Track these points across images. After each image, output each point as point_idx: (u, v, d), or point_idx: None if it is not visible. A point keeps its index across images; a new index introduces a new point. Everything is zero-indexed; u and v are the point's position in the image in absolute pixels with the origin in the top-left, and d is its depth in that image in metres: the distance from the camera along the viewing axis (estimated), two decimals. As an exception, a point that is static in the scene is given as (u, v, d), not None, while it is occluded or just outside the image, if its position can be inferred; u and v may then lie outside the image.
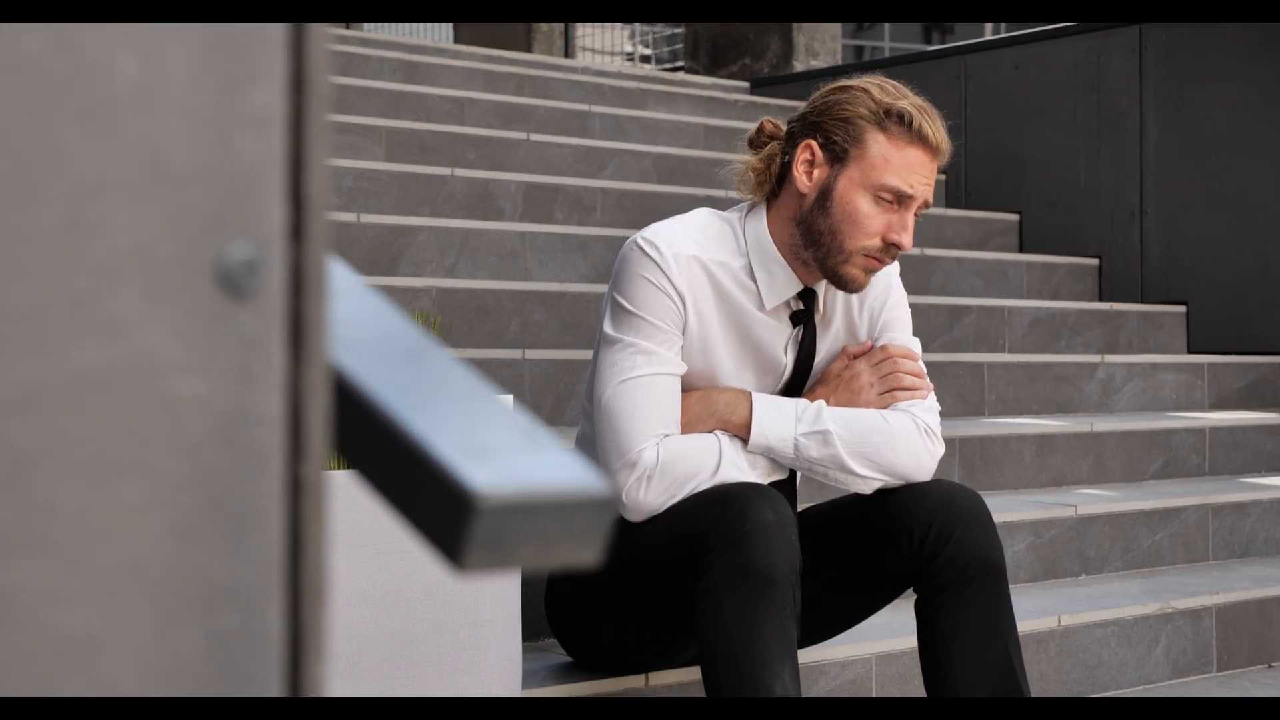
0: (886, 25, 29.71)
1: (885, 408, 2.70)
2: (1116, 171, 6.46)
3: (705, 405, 2.65)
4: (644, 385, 2.61)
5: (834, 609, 2.83)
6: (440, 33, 14.79)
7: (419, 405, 0.60)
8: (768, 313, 2.70)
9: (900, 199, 2.61)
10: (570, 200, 5.49)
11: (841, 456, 2.63)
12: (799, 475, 2.84)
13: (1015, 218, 6.78)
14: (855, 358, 2.76)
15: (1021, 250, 6.72)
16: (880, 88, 2.64)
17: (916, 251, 6.01)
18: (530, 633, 3.07)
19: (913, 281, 5.89)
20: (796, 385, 2.77)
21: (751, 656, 2.43)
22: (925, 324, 5.37)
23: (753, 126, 2.82)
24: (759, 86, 8.06)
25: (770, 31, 8.11)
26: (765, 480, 2.67)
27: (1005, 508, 4.05)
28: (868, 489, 2.67)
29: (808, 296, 2.73)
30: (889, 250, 2.63)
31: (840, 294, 2.78)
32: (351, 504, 2.40)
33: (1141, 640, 3.71)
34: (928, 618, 2.65)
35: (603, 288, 4.50)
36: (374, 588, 2.44)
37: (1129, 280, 6.41)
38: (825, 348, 2.78)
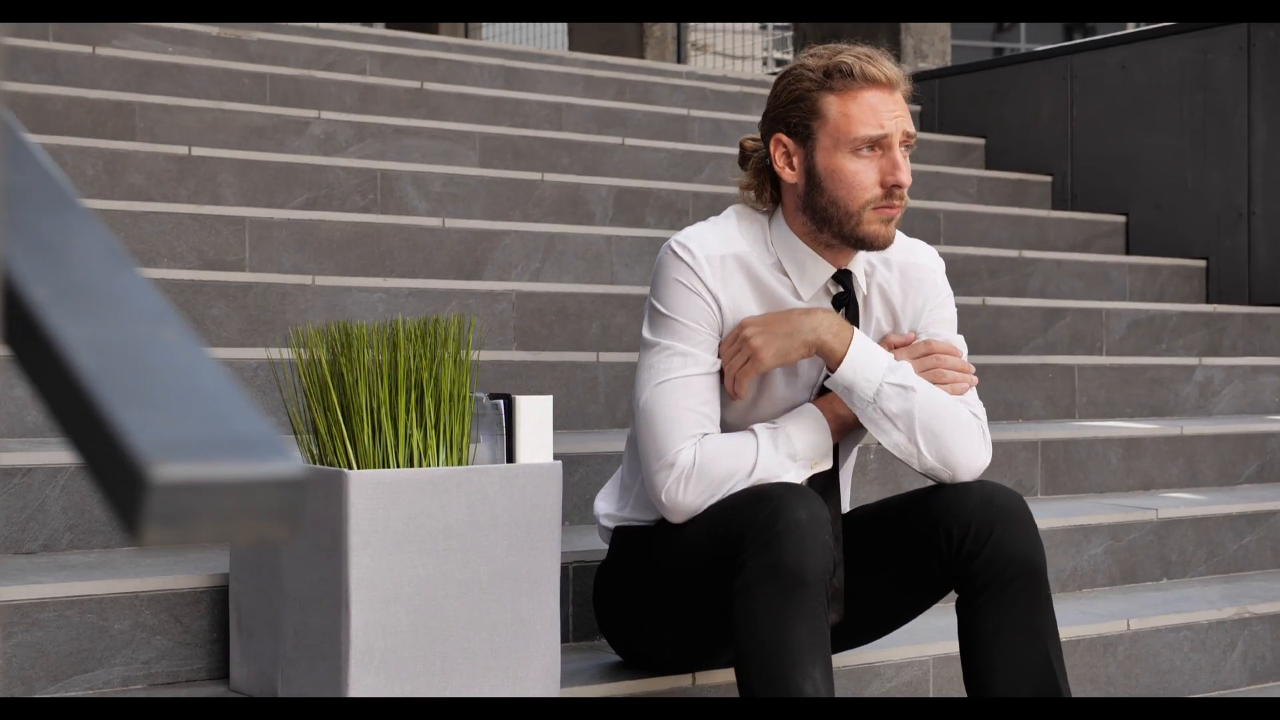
0: (1023, 26, 29.34)
1: None
2: (1224, 172, 6.36)
3: (809, 319, 2.65)
4: (680, 386, 2.64)
5: (878, 609, 2.83)
6: (555, 40, 14.85)
7: (116, 373, 0.62)
8: (807, 302, 2.72)
9: (877, 144, 2.64)
10: (662, 204, 5.51)
11: (912, 418, 2.63)
12: (846, 472, 2.85)
13: (1121, 219, 6.69)
14: (896, 348, 2.76)
15: (1128, 252, 6.63)
16: (813, 55, 2.68)
17: (1014, 254, 5.96)
18: (585, 632, 3.10)
19: (1010, 284, 5.85)
20: None
21: (782, 655, 2.44)
22: (1018, 326, 5.33)
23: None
24: (868, 89, 8.00)
25: (878, 33, 8.07)
26: (804, 475, 2.68)
27: (1083, 511, 4.01)
28: (914, 464, 2.67)
29: (845, 278, 2.74)
30: (893, 194, 2.65)
31: (879, 283, 2.78)
32: (385, 501, 2.44)
33: (1216, 645, 3.65)
34: (968, 619, 2.64)
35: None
36: (408, 584, 2.47)
37: (1236, 282, 6.31)
38: (869, 335, 2.79)
